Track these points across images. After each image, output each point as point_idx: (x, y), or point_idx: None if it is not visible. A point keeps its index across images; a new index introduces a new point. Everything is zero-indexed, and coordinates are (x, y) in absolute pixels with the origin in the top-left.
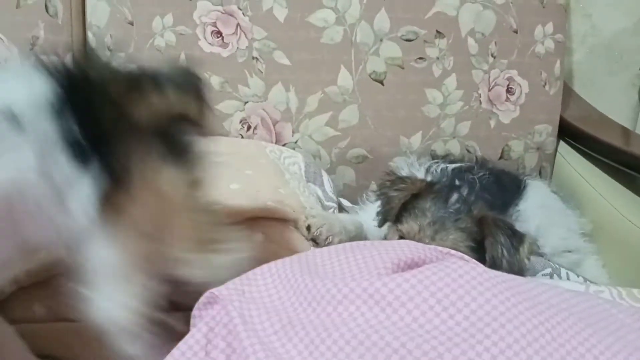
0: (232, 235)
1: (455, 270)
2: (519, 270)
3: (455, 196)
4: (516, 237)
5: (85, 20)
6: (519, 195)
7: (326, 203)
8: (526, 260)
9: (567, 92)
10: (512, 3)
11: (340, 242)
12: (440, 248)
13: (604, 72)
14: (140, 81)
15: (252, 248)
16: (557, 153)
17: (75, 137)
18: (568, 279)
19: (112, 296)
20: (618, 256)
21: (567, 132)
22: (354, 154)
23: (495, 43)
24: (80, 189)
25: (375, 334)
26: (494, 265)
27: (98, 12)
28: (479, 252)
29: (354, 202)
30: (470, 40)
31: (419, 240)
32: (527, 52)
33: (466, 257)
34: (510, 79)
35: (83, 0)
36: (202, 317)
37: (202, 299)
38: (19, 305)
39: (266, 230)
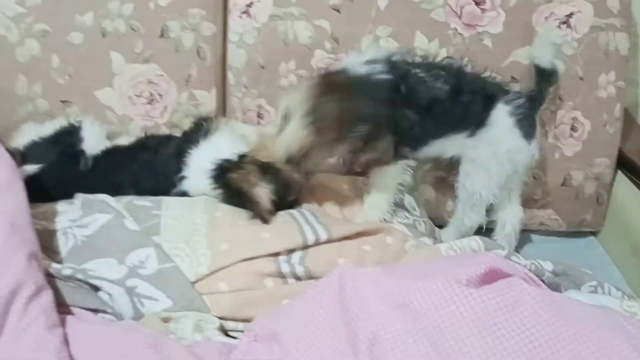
0: None
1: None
2: None
3: None
4: None
5: (226, 63)
6: None
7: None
8: None
9: (630, 123)
10: (579, 55)
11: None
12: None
13: None
14: None
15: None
16: (615, 182)
17: None
18: (610, 293)
19: None
20: None
21: (625, 165)
22: (433, 176)
23: (563, 88)
24: None
25: None
26: None
27: (237, 57)
28: None
29: (432, 214)
30: None
31: None
32: (591, 96)
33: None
34: (574, 118)
35: (225, 47)
36: None
37: None
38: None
39: (369, 242)
